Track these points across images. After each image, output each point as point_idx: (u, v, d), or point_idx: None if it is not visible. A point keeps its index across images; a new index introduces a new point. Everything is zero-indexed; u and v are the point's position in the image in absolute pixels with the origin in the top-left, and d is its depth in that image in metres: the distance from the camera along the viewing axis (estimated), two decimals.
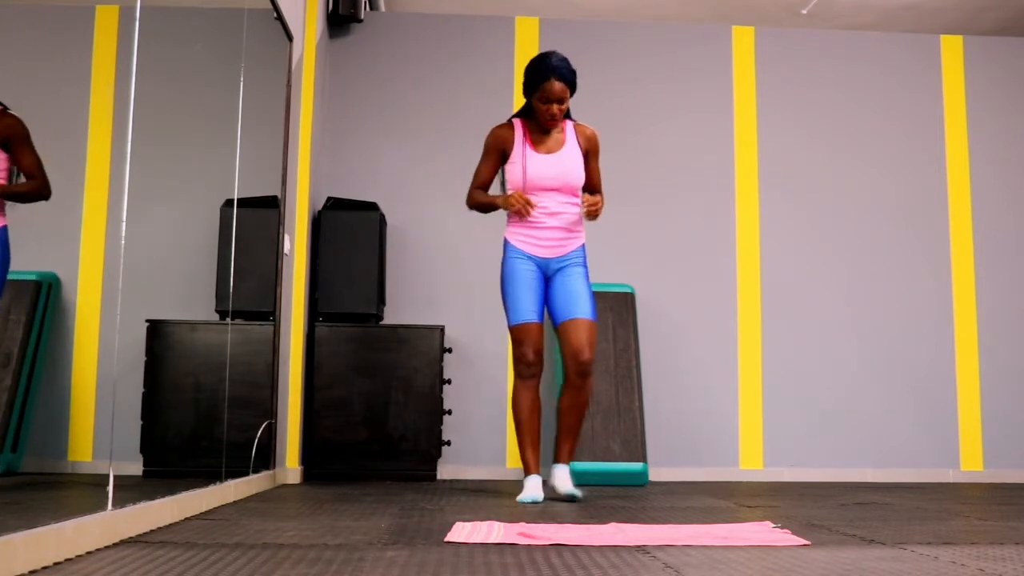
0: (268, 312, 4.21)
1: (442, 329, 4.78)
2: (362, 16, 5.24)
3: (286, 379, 4.39)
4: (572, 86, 3.61)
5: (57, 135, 2.76)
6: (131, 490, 2.64)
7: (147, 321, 3.11)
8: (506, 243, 3.71)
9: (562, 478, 3.57)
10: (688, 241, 5.32)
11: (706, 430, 5.16)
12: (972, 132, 5.53)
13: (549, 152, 3.66)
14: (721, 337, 5.26)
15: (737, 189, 5.39)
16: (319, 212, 4.87)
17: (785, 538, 2.38)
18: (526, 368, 3.66)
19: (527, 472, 3.61)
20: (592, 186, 3.78)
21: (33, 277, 2.90)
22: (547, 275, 3.69)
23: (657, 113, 5.45)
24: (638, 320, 5.12)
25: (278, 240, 4.28)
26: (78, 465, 2.89)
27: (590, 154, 3.74)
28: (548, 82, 3.55)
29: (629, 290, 5.09)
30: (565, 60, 3.61)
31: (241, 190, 3.61)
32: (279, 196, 4.31)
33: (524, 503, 3.44)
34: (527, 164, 3.62)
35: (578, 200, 3.67)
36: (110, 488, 2.33)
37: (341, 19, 5.21)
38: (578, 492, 3.50)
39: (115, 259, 2.62)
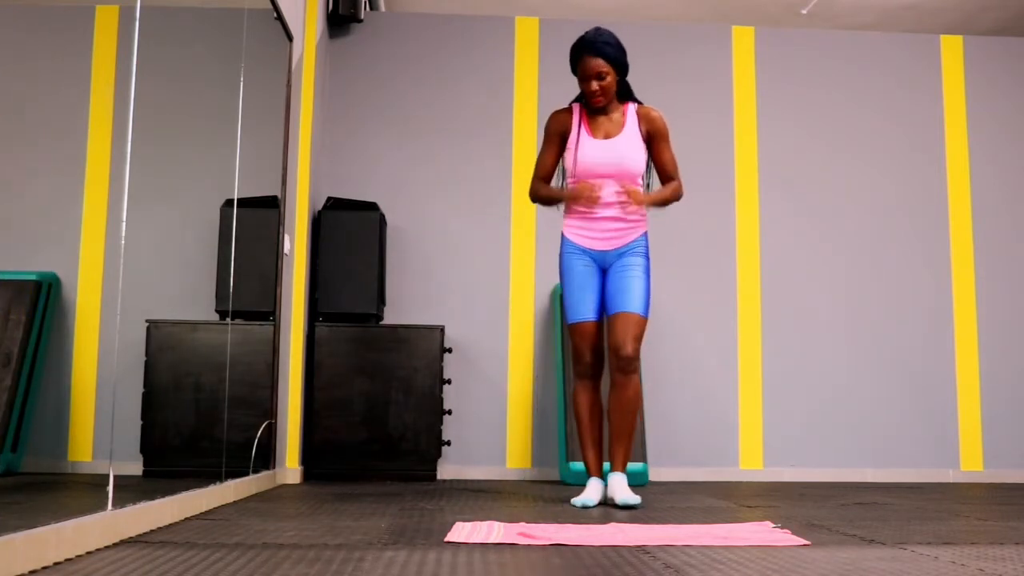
0: (268, 312, 4.20)
1: (442, 329, 4.78)
2: (362, 16, 5.24)
3: (286, 379, 4.39)
4: (614, 62, 3.45)
5: (57, 135, 2.76)
6: (131, 490, 2.64)
7: (147, 321, 3.11)
8: (563, 237, 3.57)
9: (617, 487, 3.35)
10: (688, 241, 5.32)
11: (706, 430, 5.16)
12: (972, 132, 5.53)
13: (606, 137, 3.49)
14: (721, 337, 5.26)
15: (737, 189, 5.39)
16: (319, 212, 4.87)
17: (785, 538, 2.38)
18: (582, 368, 3.52)
19: (588, 474, 3.50)
20: (663, 172, 3.59)
21: (33, 277, 2.90)
22: (605, 267, 3.54)
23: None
24: None
25: (278, 240, 4.28)
26: (78, 465, 2.89)
27: (654, 138, 3.53)
28: (582, 59, 3.45)
29: None
30: (606, 34, 3.48)
31: (241, 190, 3.61)
32: (279, 196, 4.31)
33: (575, 506, 3.33)
34: (579, 150, 3.47)
35: (638, 189, 3.51)
36: (110, 488, 2.33)
37: (341, 19, 5.21)
38: (634, 500, 3.30)
39: (115, 259, 2.63)
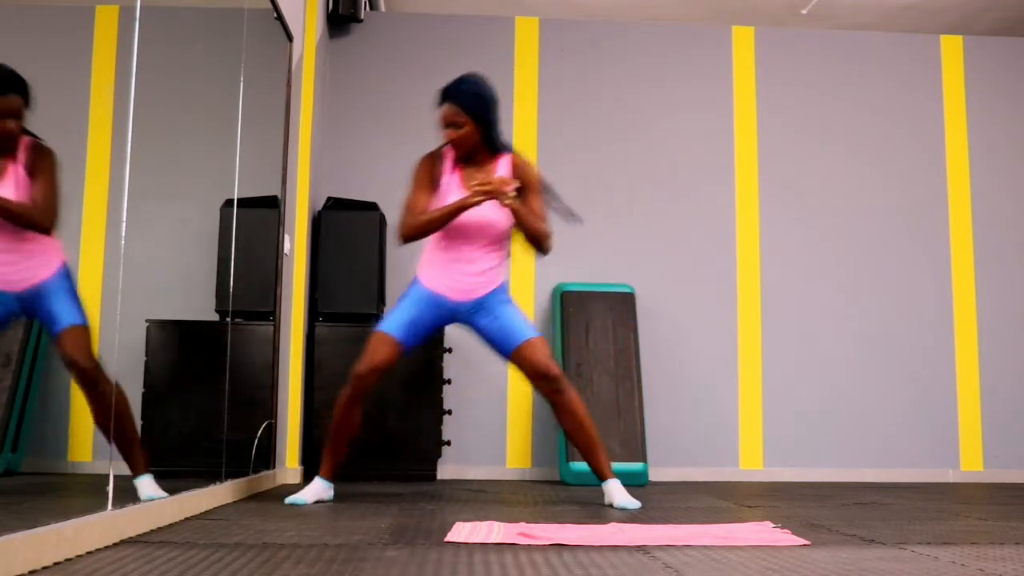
0: (268, 312, 4.20)
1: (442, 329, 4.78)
2: (362, 16, 5.24)
3: (286, 379, 4.39)
4: (471, 112, 3.30)
5: (57, 135, 2.76)
6: (131, 490, 2.64)
7: (147, 321, 3.11)
8: (416, 279, 3.42)
9: (615, 492, 3.32)
10: (688, 241, 5.32)
11: (706, 430, 5.16)
12: (972, 132, 5.53)
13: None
14: (721, 337, 5.26)
15: (737, 189, 5.39)
16: (319, 212, 4.87)
17: (785, 538, 2.38)
18: (355, 378, 3.32)
19: (320, 472, 3.41)
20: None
21: None
22: (455, 319, 3.41)
23: (657, 113, 5.45)
24: (638, 320, 5.13)
25: (278, 240, 4.28)
26: (78, 465, 2.89)
27: (524, 190, 3.33)
28: (441, 105, 3.34)
29: (629, 290, 5.10)
30: (470, 83, 3.35)
31: (241, 190, 3.61)
32: (279, 196, 4.31)
33: (287, 503, 3.25)
34: (446, 199, 3.32)
35: (501, 248, 3.38)
36: (110, 488, 2.33)
37: (341, 19, 5.21)
38: (633, 504, 3.27)
39: (115, 259, 2.63)
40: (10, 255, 2.55)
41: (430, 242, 3.43)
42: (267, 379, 4.14)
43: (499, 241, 3.39)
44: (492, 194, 3.22)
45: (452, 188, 3.35)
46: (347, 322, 4.73)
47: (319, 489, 3.37)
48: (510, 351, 3.36)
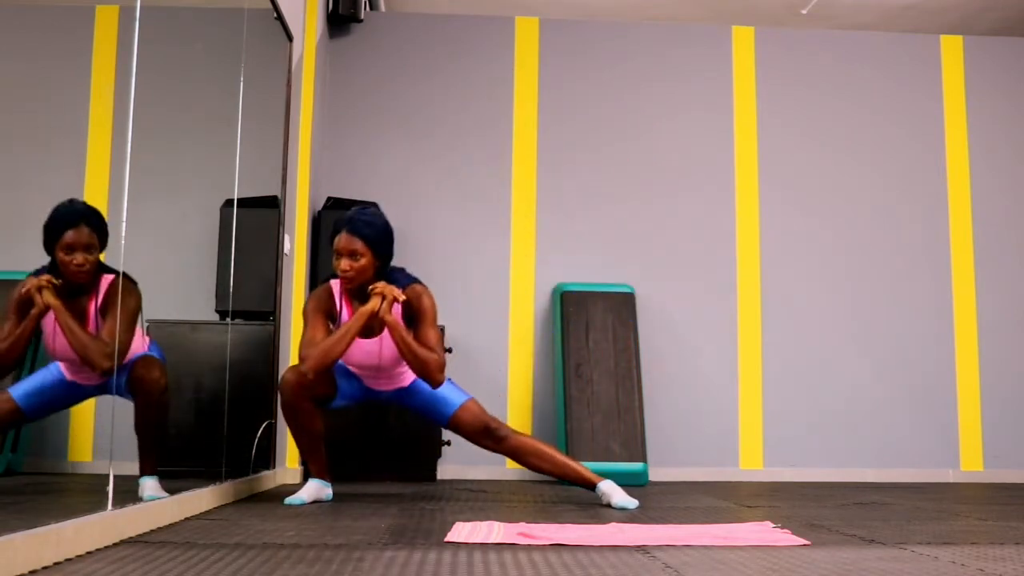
0: (268, 312, 4.20)
1: (442, 329, 4.78)
2: (362, 16, 5.24)
3: None
4: (372, 244, 3.19)
5: (57, 135, 2.76)
6: (131, 490, 2.64)
7: (147, 321, 3.10)
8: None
9: (611, 492, 3.32)
10: (688, 241, 5.32)
11: (706, 430, 5.16)
12: (972, 132, 5.53)
13: (368, 334, 3.28)
14: (721, 337, 5.26)
15: (737, 189, 5.39)
16: (319, 212, 4.87)
17: (785, 538, 2.38)
18: (288, 384, 3.26)
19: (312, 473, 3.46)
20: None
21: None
22: (377, 401, 3.49)
23: (657, 113, 5.45)
24: (638, 320, 5.13)
25: (278, 240, 4.28)
26: (78, 465, 2.89)
27: (416, 318, 3.26)
28: (338, 235, 3.22)
29: (629, 290, 5.10)
30: (369, 215, 3.24)
31: (241, 190, 3.61)
32: (279, 196, 4.31)
33: (286, 503, 3.27)
34: (349, 350, 3.26)
35: (404, 369, 3.38)
36: (110, 488, 2.33)
37: (341, 19, 5.21)
38: (631, 504, 3.26)
39: (115, 259, 2.63)
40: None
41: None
42: (267, 379, 4.14)
43: (401, 365, 3.40)
44: (381, 295, 3.18)
45: (345, 318, 3.29)
46: None
47: (315, 489, 3.38)
48: (445, 421, 3.42)
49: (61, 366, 2.74)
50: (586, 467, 3.46)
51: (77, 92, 2.77)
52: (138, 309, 2.72)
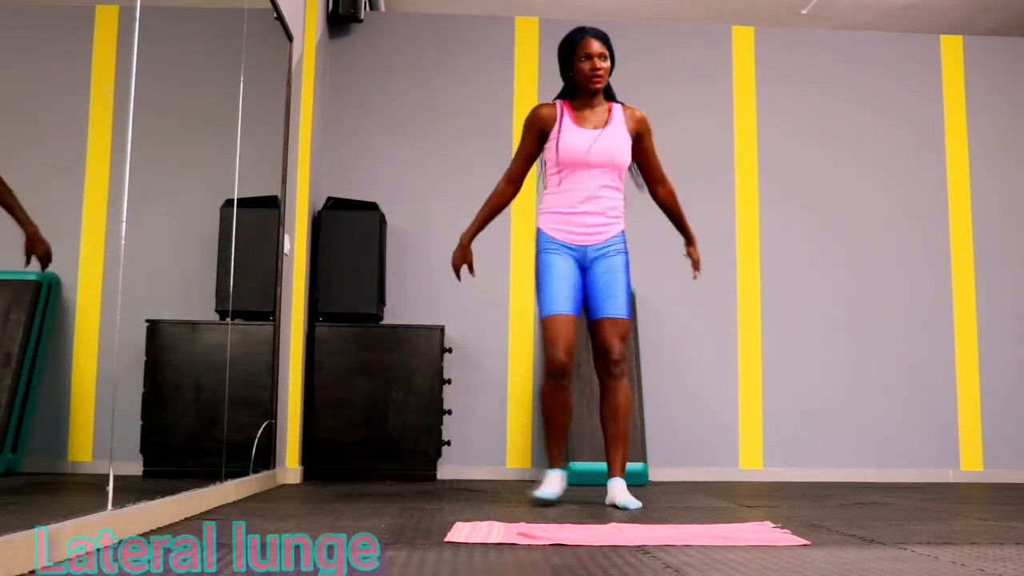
0: (268, 312, 4.21)
1: (442, 329, 4.78)
2: (362, 16, 5.23)
3: (286, 379, 4.39)
4: (610, 45, 3.48)
5: (57, 135, 2.76)
6: (131, 490, 2.64)
7: (147, 321, 3.11)
8: (539, 232, 3.49)
9: (618, 491, 3.32)
10: None
11: (706, 430, 5.16)
12: (972, 132, 5.53)
13: (594, 128, 3.45)
14: (721, 337, 5.25)
15: (737, 189, 5.39)
16: (319, 212, 4.87)
17: (785, 538, 2.38)
18: (555, 367, 3.35)
19: (549, 465, 3.48)
20: (653, 172, 3.63)
21: (33, 277, 2.90)
22: (584, 265, 3.45)
23: (657, 113, 5.42)
24: (638, 320, 5.12)
25: (278, 240, 4.28)
26: (78, 465, 2.89)
27: (643, 136, 3.55)
28: (585, 39, 3.44)
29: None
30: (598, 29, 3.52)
31: (241, 190, 3.61)
32: (279, 196, 4.31)
33: (537, 498, 3.35)
34: (562, 137, 3.41)
35: (619, 184, 3.49)
36: (110, 488, 2.33)
37: (341, 19, 5.21)
38: (635, 504, 3.24)
39: (115, 259, 2.63)
40: None
41: (548, 188, 3.52)
42: (267, 379, 4.14)
43: (618, 178, 3.49)
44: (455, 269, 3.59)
45: (569, 128, 3.44)
46: (347, 322, 4.73)
47: (558, 479, 3.43)
48: (593, 317, 3.45)
49: None
50: (624, 460, 3.44)
51: (77, 92, 2.77)
52: None
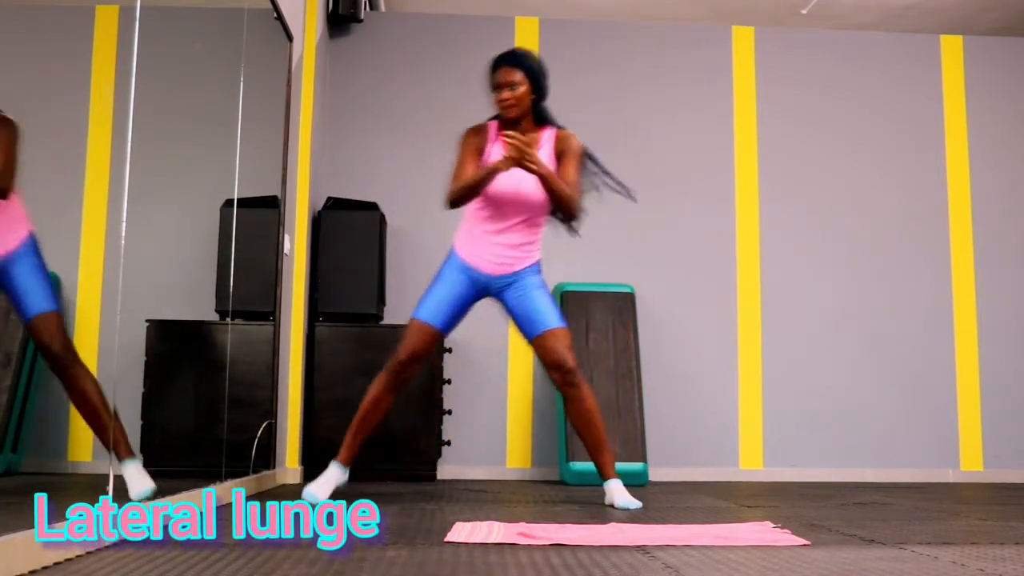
0: (268, 312, 4.21)
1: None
2: (362, 16, 5.23)
3: (286, 379, 4.39)
4: (529, 74, 3.34)
5: (57, 135, 2.76)
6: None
7: (147, 321, 3.11)
8: (452, 250, 3.45)
9: (616, 492, 3.32)
10: (688, 241, 5.32)
11: (706, 430, 5.16)
12: (972, 132, 5.53)
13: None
14: (721, 337, 5.25)
15: (737, 189, 5.39)
16: (319, 212, 4.87)
17: (785, 538, 2.38)
18: (394, 364, 3.33)
19: (336, 458, 3.43)
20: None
21: None
22: (489, 293, 3.43)
23: (657, 113, 5.45)
24: (638, 320, 5.12)
25: (278, 240, 4.28)
26: (78, 465, 2.89)
27: (562, 155, 3.40)
28: (496, 68, 3.37)
29: (629, 290, 5.09)
30: (523, 51, 3.43)
31: (241, 190, 3.61)
32: (279, 196, 4.31)
33: (304, 497, 3.25)
34: (487, 164, 3.34)
35: (538, 224, 3.40)
36: (110, 488, 2.33)
37: (341, 19, 5.21)
38: (635, 504, 3.26)
39: (115, 259, 2.63)
40: None
41: (468, 214, 3.46)
42: (267, 379, 4.14)
43: (536, 216, 3.41)
44: (520, 159, 3.23)
45: (494, 155, 3.38)
46: (347, 322, 4.73)
47: (335, 474, 3.39)
48: (533, 336, 3.40)
49: None
50: (612, 460, 3.41)
51: (77, 92, 2.77)
52: (14, 141, 2.47)
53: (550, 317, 3.37)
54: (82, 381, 2.61)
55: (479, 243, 3.39)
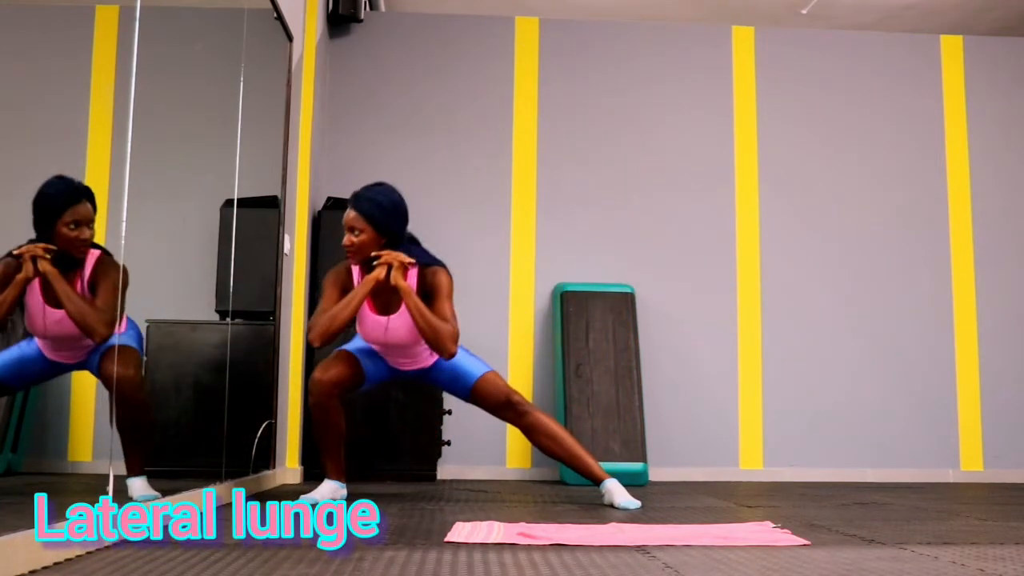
0: (268, 312, 4.20)
1: None
2: (362, 16, 5.24)
3: (286, 379, 4.39)
4: (371, 220, 3.23)
5: (57, 135, 2.76)
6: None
7: (147, 321, 3.11)
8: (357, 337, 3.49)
9: (615, 492, 3.32)
10: (688, 241, 5.32)
11: (706, 430, 5.16)
12: (972, 132, 5.53)
13: (384, 312, 3.30)
14: (721, 337, 5.25)
15: (737, 189, 5.39)
16: (319, 212, 4.87)
17: (785, 538, 2.38)
18: (315, 386, 3.29)
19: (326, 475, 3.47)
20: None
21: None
22: (402, 379, 3.53)
23: (657, 113, 5.45)
24: (638, 320, 5.13)
25: (278, 240, 4.28)
26: (78, 465, 2.89)
27: (431, 295, 3.26)
28: (347, 210, 3.29)
29: (629, 290, 5.09)
30: (377, 192, 3.29)
31: (241, 190, 3.61)
32: (279, 196, 4.31)
33: (304, 502, 3.26)
34: (360, 324, 3.34)
35: (423, 348, 3.38)
36: (110, 488, 2.33)
37: (341, 19, 5.21)
38: (634, 504, 3.26)
39: (115, 258, 2.63)
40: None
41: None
42: (267, 379, 4.14)
43: (414, 347, 3.41)
44: (387, 264, 3.21)
45: (363, 314, 3.33)
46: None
47: (330, 490, 3.39)
48: (467, 393, 3.46)
49: (39, 344, 2.71)
50: (596, 462, 3.45)
51: (77, 92, 2.77)
52: (125, 285, 2.68)
53: (474, 368, 3.44)
54: (142, 410, 2.80)
55: (377, 347, 3.44)
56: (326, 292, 3.32)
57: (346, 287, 3.33)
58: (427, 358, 3.46)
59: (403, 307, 3.26)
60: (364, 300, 3.24)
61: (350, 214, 3.27)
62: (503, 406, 3.43)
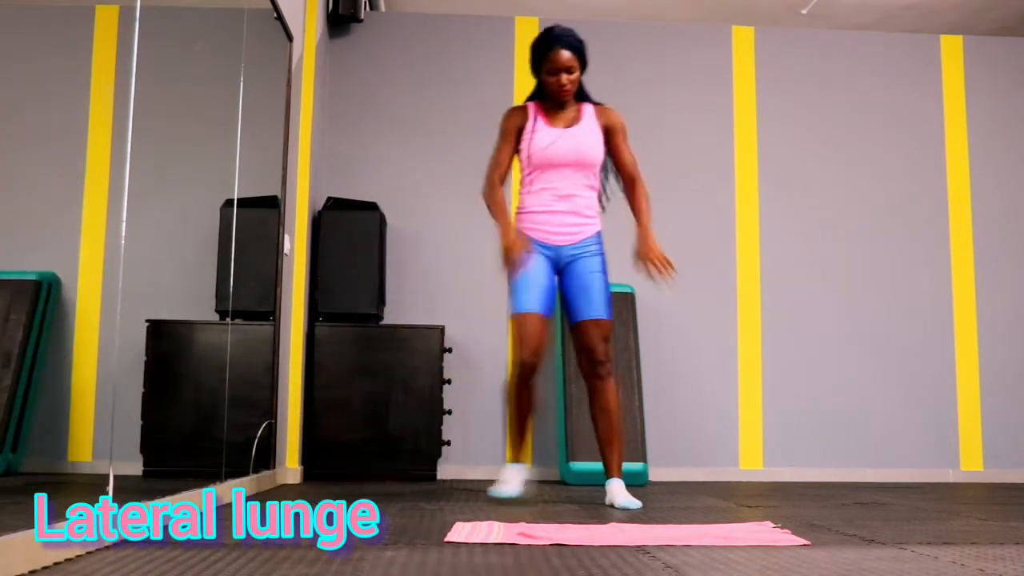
0: (268, 312, 4.21)
1: (442, 329, 4.78)
2: (362, 16, 5.23)
3: (286, 379, 4.39)
4: (581, 56, 3.45)
5: (57, 135, 2.76)
6: (131, 490, 2.64)
7: (147, 321, 3.11)
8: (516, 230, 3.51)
9: (617, 491, 3.33)
10: (688, 241, 5.31)
11: (706, 430, 5.16)
12: (972, 132, 5.53)
13: (565, 127, 3.48)
14: (721, 337, 5.25)
15: (737, 189, 5.39)
16: (319, 212, 4.87)
17: (785, 538, 2.38)
18: (522, 369, 3.43)
19: (511, 459, 3.54)
20: (624, 168, 3.58)
21: (33, 277, 2.90)
22: (559, 265, 3.49)
23: (657, 113, 5.45)
24: (638, 320, 5.12)
25: (278, 240, 4.28)
26: (78, 465, 2.89)
27: (612, 134, 3.52)
28: (553, 51, 3.41)
29: (629, 290, 5.09)
30: (571, 30, 3.47)
31: (241, 190, 3.62)
32: (279, 196, 4.31)
33: (494, 497, 3.40)
34: (533, 138, 3.44)
35: (594, 183, 3.52)
36: (110, 488, 2.33)
37: (341, 19, 5.21)
38: (635, 505, 3.27)
39: (115, 259, 2.63)
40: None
41: (524, 183, 3.56)
42: (267, 379, 4.14)
43: (592, 176, 3.52)
44: (511, 263, 3.37)
45: (541, 129, 3.47)
46: (347, 322, 4.73)
47: (517, 473, 3.48)
48: (574, 321, 3.48)
49: None
50: (621, 460, 3.45)
51: (77, 92, 2.77)
52: None
53: (596, 307, 3.45)
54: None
55: (540, 217, 3.48)
56: (500, 139, 3.54)
57: (522, 128, 3.50)
58: (584, 224, 3.50)
59: (581, 123, 3.48)
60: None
61: (564, 55, 3.41)
62: (589, 355, 3.43)
